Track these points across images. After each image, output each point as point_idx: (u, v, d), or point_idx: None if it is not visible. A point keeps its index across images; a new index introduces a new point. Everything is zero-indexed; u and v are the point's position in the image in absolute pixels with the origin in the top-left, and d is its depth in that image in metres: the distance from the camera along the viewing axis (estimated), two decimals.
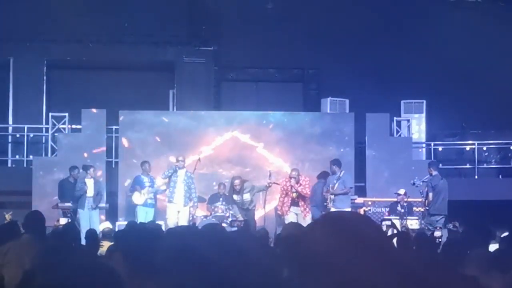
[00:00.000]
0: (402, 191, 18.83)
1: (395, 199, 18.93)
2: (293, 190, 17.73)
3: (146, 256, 4.49)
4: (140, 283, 4.64)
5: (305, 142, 21.18)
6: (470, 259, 6.81)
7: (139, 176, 19.04)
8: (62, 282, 3.55)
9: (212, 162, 20.82)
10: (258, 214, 18.88)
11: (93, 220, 18.33)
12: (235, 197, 18.18)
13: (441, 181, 18.07)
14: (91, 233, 10.72)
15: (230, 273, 3.29)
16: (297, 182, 17.75)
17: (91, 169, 19.02)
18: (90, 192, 18.71)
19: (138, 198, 18.72)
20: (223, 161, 21.00)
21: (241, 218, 17.80)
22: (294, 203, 17.74)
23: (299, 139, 21.20)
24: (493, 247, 9.55)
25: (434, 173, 18.11)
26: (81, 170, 19.12)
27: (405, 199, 18.67)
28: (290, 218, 17.31)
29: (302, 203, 17.78)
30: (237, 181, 18.23)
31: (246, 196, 18.27)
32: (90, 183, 18.78)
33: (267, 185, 18.14)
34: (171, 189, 18.27)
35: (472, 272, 6.46)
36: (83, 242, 10.94)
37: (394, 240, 10.27)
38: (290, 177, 17.84)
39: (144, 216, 18.19)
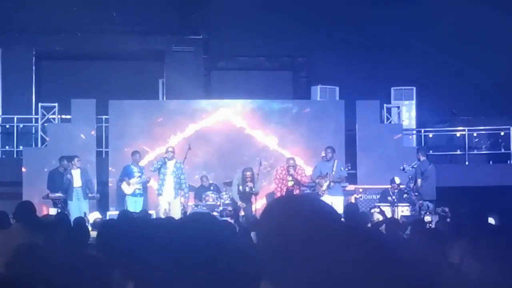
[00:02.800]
0: (398, 180, 18.79)
1: (388, 186, 18.92)
2: (290, 179, 17.80)
3: (135, 246, 4.48)
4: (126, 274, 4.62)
5: (295, 130, 21.19)
6: (454, 247, 6.83)
7: (128, 166, 19.01)
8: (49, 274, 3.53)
9: (201, 150, 20.82)
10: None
11: (82, 210, 18.25)
12: (246, 188, 18.11)
13: (429, 167, 18.12)
14: (79, 222, 10.66)
15: (216, 263, 3.29)
16: (294, 169, 17.90)
17: (75, 159, 18.93)
18: (78, 182, 18.64)
19: (127, 188, 18.70)
20: (213, 146, 21.03)
21: (240, 202, 17.89)
22: (288, 191, 17.82)
23: (289, 127, 21.21)
24: None
25: (422, 158, 18.16)
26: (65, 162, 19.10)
27: (397, 187, 18.70)
28: None
29: (297, 191, 17.87)
30: (249, 173, 18.20)
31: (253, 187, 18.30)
32: (76, 173, 18.72)
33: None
34: (160, 182, 18.15)
35: (456, 260, 6.48)
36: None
37: (383, 227, 10.29)
38: (289, 166, 17.88)
39: (133, 205, 18.17)
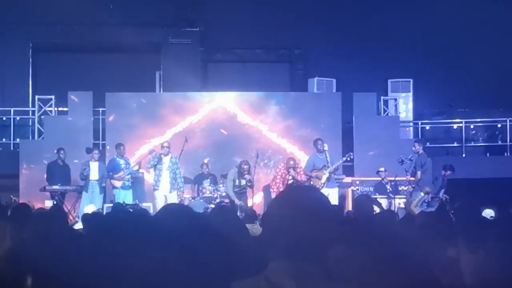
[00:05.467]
0: (382, 168, 18.95)
1: (380, 178, 19.04)
2: (290, 178, 17.75)
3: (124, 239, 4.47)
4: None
5: (292, 122, 21.18)
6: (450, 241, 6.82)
7: (114, 159, 18.95)
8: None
9: (198, 142, 20.82)
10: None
11: (96, 204, 18.06)
12: (243, 181, 18.06)
13: (428, 159, 18.10)
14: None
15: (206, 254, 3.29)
16: (294, 170, 17.85)
17: (95, 152, 18.82)
18: (94, 175, 18.49)
19: (116, 181, 18.65)
20: (210, 139, 21.02)
21: (236, 200, 17.79)
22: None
23: (286, 119, 21.19)
24: None
25: (421, 151, 18.11)
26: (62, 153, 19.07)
27: (388, 177, 18.76)
28: None
29: None
30: (246, 166, 18.13)
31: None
32: (95, 166, 18.57)
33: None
34: (156, 177, 18.04)
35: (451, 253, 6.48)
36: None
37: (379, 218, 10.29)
38: (289, 167, 17.80)
39: (123, 199, 18.06)
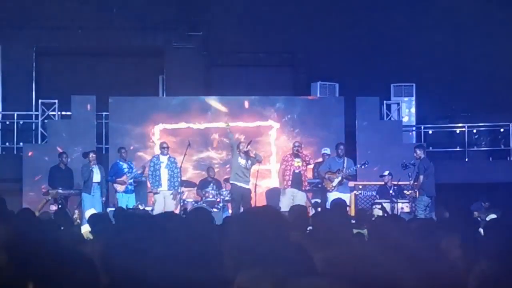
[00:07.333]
0: (386, 172, 18.95)
1: (383, 182, 19.02)
2: (297, 160, 17.62)
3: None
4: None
5: (295, 127, 21.19)
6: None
7: (117, 163, 18.99)
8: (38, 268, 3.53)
9: (201, 146, 20.84)
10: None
11: (97, 207, 18.06)
12: (250, 162, 17.97)
13: (430, 164, 18.11)
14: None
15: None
16: (301, 148, 17.82)
17: (91, 155, 18.81)
18: (97, 178, 18.49)
19: (119, 186, 18.67)
20: (212, 143, 21.03)
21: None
22: (295, 173, 17.59)
23: (288, 124, 21.20)
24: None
25: (423, 155, 18.11)
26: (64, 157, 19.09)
27: (392, 181, 18.75)
28: (287, 192, 17.52)
29: (305, 172, 17.72)
30: (243, 143, 18.08)
31: None
32: (96, 169, 18.59)
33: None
34: (157, 177, 18.19)
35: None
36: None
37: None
38: (294, 147, 17.76)
39: (125, 203, 18.10)
